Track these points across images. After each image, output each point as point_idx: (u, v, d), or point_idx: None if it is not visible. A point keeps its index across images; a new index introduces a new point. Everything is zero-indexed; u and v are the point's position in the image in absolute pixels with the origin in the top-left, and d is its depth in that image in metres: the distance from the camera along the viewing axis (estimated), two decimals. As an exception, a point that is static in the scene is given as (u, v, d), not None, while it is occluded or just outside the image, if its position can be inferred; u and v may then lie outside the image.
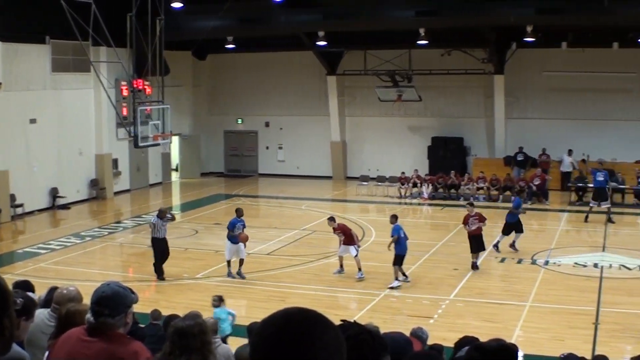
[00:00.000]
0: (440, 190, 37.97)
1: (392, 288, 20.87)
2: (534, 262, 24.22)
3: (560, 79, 39.49)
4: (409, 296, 20.33)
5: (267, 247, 26.40)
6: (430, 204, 36.62)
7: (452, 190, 37.78)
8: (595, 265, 23.71)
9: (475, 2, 33.70)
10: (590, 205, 31.70)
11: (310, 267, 23.83)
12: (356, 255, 22.30)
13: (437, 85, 41.44)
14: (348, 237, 22.62)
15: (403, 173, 38.50)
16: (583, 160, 37.51)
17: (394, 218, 22.45)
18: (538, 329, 17.45)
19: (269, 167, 46.33)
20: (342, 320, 3.50)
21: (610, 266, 23.70)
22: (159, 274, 22.02)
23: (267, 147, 46.44)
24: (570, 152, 37.89)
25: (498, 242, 25.61)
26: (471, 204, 24.73)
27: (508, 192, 36.71)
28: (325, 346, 2.69)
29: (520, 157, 39.42)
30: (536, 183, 36.09)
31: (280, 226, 30.69)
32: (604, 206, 31.07)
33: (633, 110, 39.11)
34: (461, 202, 36.40)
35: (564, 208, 34.95)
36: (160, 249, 22.10)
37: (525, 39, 35.22)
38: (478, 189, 37.39)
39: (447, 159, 40.42)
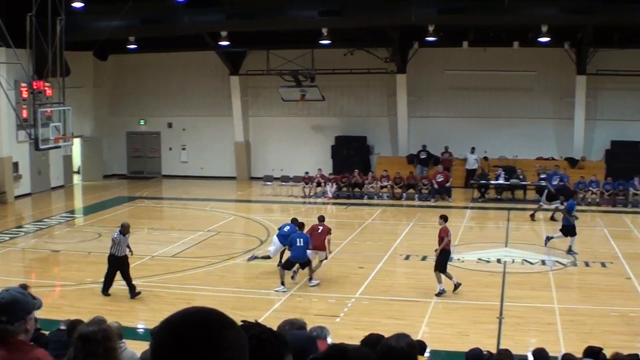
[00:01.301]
0: (344, 189, 38.09)
1: (277, 291, 20.73)
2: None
3: (462, 77, 40.06)
4: (315, 295, 20.27)
5: (171, 250, 26.07)
6: (334, 203, 36.68)
7: (356, 189, 37.92)
8: (499, 261, 24.03)
9: (377, 2, 33.85)
10: (540, 203, 32.48)
11: (216, 269, 23.58)
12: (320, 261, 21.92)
13: (340, 85, 41.59)
14: (321, 242, 21.87)
15: (307, 173, 38.48)
16: (485, 158, 38.14)
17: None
18: (443, 325, 17.58)
19: (172, 169, 45.86)
20: (243, 321, 3.44)
21: (513, 261, 24.08)
22: (106, 289, 20.35)
23: (170, 149, 45.96)
24: (473, 150, 38.44)
25: (552, 237, 25.86)
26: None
27: (411, 190, 37.04)
28: (227, 346, 2.61)
29: (423, 155, 39.83)
30: (439, 180, 36.46)
31: (185, 228, 30.35)
32: (554, 205, 31.66)
33: (533, 108, 39.92)
34: (365, 200, 36.65)
35: (467, 205, 35.40)
36: (117, 267, 20.19)
37: (427, 39, 35.59)
38: (382, 187, 37.61)
39: (351, 158, 40.57)
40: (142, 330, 16.91)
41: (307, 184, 38.13)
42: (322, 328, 9.79)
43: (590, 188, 35.59)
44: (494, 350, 12.86)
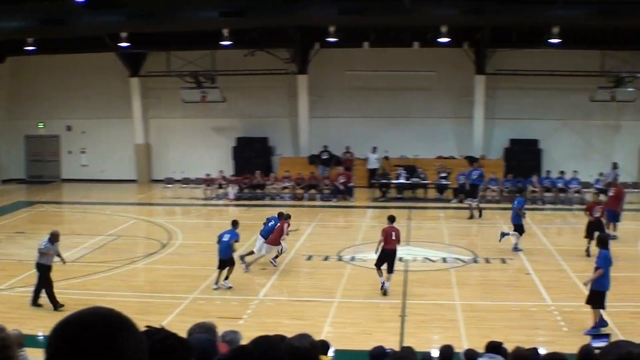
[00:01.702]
0: (246, 190, 37.95)
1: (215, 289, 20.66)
2: (340, 259, 24.47)
3: (363, 78, 40.32)
4: (217, 298, 20.08)
5: (72, 255, 25.47)
6: (236, 205, 36.50)
7: (258, 190, 37.82)
8: (400, 259, 24.11)
9: (279, 2, 33.82)
10: (467, 202, 32.96)
11: (118, 273, 23.17)
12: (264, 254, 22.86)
13: (241, 86, 41.47)
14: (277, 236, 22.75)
15: (208, 174, 38.23)
16: (386, 158, 38.42)
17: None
18: (347, 324, 17.57)
19: (72, 172, 45.08)
20: (147, 326, 3.38)
21: (415, 259, 24.28)
22: (55, 304, 19.75)
23: (70, 152, 45.16)
24: (374, 150, 38.69)
25: (508, 234, 26.05)
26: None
27: (313, 190, 37.11)
28: (127, 350, 2.49)
29: (324, 156, 39.94)
30: (342, 181, 36.61)
31: (85, 232, 29.77)
32: (474, 203, 32.27)
33: (433, 107, 40.42)
34: (267, 201, 36.56)
35: (368, 204, 35.60)
36: (44, 277, 19.30)
37: (328, 39, 35.68)
38: (284, 188, 37.59)
39: (252, 159, 40.50)
40: (43, 337, 16.50)
41: (208, 185, 37.88)
42: (235, 332, 9.69)
43: (490, 186, 36.19)
44: (397, 348, 12.91)
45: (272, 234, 22.91)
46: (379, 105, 40.99)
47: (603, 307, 16.90)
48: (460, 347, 12.86)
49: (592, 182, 36.89)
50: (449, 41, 35.49)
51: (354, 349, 15.44)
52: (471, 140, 40.23)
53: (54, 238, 19.50)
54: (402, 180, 36.91)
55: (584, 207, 27.68)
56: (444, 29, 34.58)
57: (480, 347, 11.91)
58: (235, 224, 22.00)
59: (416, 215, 32.72)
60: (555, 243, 26.71)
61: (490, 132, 40.70)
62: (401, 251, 24.98)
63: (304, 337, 5.45)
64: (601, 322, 16.80)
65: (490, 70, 39.34)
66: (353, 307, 19.08)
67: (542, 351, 11.66)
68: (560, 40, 35.05)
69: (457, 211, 34.08)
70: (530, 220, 31.53)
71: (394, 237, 20.79)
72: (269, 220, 23.82)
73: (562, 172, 36.98)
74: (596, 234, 20.62)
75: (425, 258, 24.41)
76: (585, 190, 36.50)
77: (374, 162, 38.90)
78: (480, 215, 32.34)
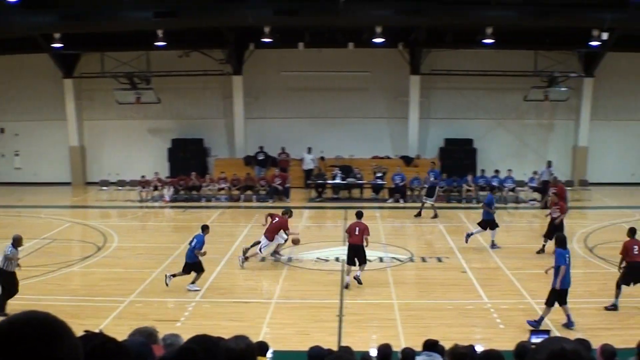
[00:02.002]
0: (182, 192, 37.69)
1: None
2: (277, 260, 24.41)
3: (298, 78, 40.32)
4: (154, 300, 19.87)
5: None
6: (172, 207, 36.25)
7: (194, 192, 37.59)
8: (337, 259, 24.18)
9: (213, 3, 33.68)
10: (423, 201, 33.24)
11: (53, 277, 22.82)
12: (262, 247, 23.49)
13: (176, 87, 41.20)
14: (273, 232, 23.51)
15: (143, 176, 37.89)
16: (322, 158, 38.46)
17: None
18: (284, 325, 17.52)
19: (5, 176, 44.29)
20: (86, 331, 3.34)
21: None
22: (2, 309, 19.27)
23: (3, 155, 44.40)
24: (310, 150, 38.70)
25: (472, 233, 26.14)
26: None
27: (249, 191, 37.01)
28: (62, 355, 2.43)
29: (260, 157, 39.87)
30: (278, 183, 36.57)
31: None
32: (429, 202, 32.53)
33: (368, 108, 40.58)
34: (203, 203, 36.37)
35: (305, 205, 35.59)
36: (11, 283, 18.86)
37: (263, 40, 35.61)
38: (219, 189, 37.42)
39: (188, 161, 40.31)
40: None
41: (143, 187, 37.55)
42: (175, 336, 9.58)
43: (425, 185, 36.38)
44: (335, 348, 12.89)
45: (270, 229, 23.55)
46: (315, 105, 41.05)
47: (552, 305, 17.23)
48: (398, 345, 12.89)
49: (527, 180, 37.34)
50: (383, 42, 35.66)
51: (292, 350, 15.40)
52: (406, 140, 40.49)
53: (16, 243, 19.09)
54: (338, 181, 36.99)
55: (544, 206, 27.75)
56: (378, 29, 34.74)
57: (417, 346, 11.95)
58: (204, 228, 21.78)
59: (352, 215, 32.67)
60: (491, 241, 26.92)
61: (426, 131, 41.01)
62: (338, 251, 25.10)
63: (240, 339, 5.40)
64: (569, 320, 17.23)
65: (425, 71, 39.65)
66: (291, 308, 19.03)
67: (479, 348, 11.75)
68: (493, 41, 35.46)
69: (393, 211, 34.29)
70: (465, 218, 31.86)
71: (357, 232, 21.13)
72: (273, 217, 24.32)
73: (496, 171, 37.39)
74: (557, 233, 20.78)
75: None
76: (519, 189, 36.94)
77: (309, 163, 38.92)
78: (418, 214, 32.56)
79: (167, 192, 37.41)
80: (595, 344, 11.18)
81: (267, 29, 34.94)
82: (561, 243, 17.75)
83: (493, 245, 26.07)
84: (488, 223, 26.36)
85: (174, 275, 20.87)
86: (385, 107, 41.30)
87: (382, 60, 40.15)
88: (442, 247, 26.31)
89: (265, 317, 18.12)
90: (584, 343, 10.96)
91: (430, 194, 32.84)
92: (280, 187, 36.70)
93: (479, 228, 26.48)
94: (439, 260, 24.47)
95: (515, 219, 33.16)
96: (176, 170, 40.11)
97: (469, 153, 40.47)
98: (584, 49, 38.26)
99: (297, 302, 19.50)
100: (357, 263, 21.09)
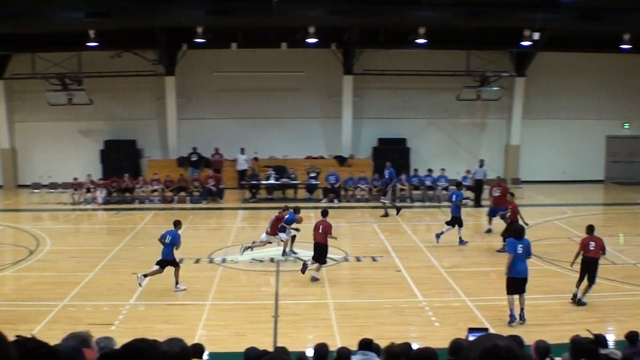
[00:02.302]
0: (115, 194, 37.31)
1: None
2: (211, 261, 24.32)
3: (231, 79, 40.17)
4: (88, 304, 19.61)
5: None
6: (105, 209, 35.87)
7: (127, 194, 37.24)
8: (272, 260, 24.19)
9: (145, 3, 33.37)
10: (381, 200, 33.56)
11: (-19, 281, 22.42)
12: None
13: (108, 88, 40.78)
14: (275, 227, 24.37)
15: (76, 179, 37.41)
16: (255, 159, 38.39)
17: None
18: (220, 327, 17.42)
19: None
20: (17, 336, 3.32)
21: (287, 259, 24.33)
22: None
23: None
24: (243, 151, 38.57)
25: (442, 232, 26.42)
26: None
27: (183, 193, 36.79)
28: None
29: (194, 158, 39.67)
30: (212, 184, 36.41)
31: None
32: (384, 200, 33.02)
33: (302, 108, 40.60)
34: (136, 205, 36.06)
35: (239, 206, 35.48)
36: None
37: (196, 40, 35.41)
38: (153, 191, 37.13)
39: (121, 162, 39.97)
40: None
41: (76, 190, 37.09)
42: (108, 339, 9.45)
43: (360, 185, 36.57)
44: (270, 349, 12.85)
45: (272, 226, 24.33)
46: (248, 106, 40.94)
47: (510, 293, 17.91)
48: (334, 345, 12.90)
49: (460, 179, 37.63)
50: (317, 42, 35.74)
51: (228, 351, 15.34)
52: (340, 140, 40.60)
53: None
54: (272, 181, 36.95)
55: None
56: (311, 29, 34.81)
57: (353, 345, 11.96)
58: (176, 224, 21.64)
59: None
60: (425, 240, 27.15)
61: (359, 131, 41.17)
62: (272, 251, 25.10)
63: (174, 342, 5.36)
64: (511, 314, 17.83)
65: (358, 71, 39.81)
66: (226, 309, 18.94)
67: (414, 346, 11.81)
68: (426, 41, 35.77)
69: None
70: (400, 218, 32.03)
71: (320, 231, 21.75)
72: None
73: (430, 170, 37.68)
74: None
75: (297, 258, 24.45)
76: (453, 187, 37.17)
77: (243, 164, 38.79)
78: (396, 213, 32.76)
79: (100, 194, 37.02)
80: (530, 340, 11.30)
81: (199, 29, 34.79)
82: (514, 233, 18.72)
83: (461, 241, 26.63)
84: (456, 220, 26.89)
85: (145, 275, 20.68)
86: (318, 107, 41.37)
87: (315, 60, 40.23)
88: (377, 247, 26.45)
89: (201, 319, 18.01)
90: (517, 339, 11.07)
91: (385, 193, 33.43)
92: (214, 188, 36.56)
93: (448, 227, 26.92)
94: (374, 259, 24.58)
95: (449, 218, 33.38)
96: (109, 171, 39.71)
97: (402, 152, 40.74)
98: (515, 49, 38.80)
99: (233, 303, 19.42)
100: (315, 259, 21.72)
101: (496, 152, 41.97)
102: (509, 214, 25.60)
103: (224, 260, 24.32)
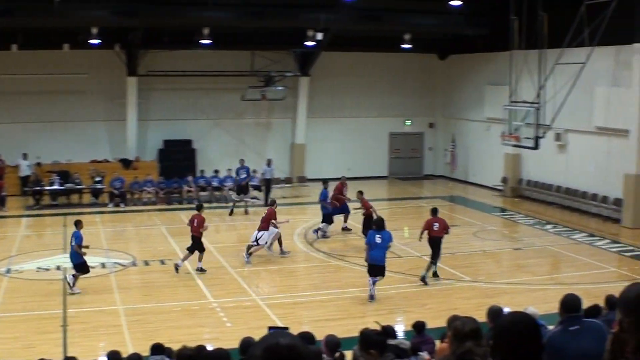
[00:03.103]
0: None
1: None
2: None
3: (12, 81, 38.62)
4: None
5: None
6: None
7: None
8: (58, 268, 23.60)
9: None
10: (234, 199, 34.16)
11: None
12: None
13: None
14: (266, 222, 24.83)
15: None
16: (38, 164, 37.32)
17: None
18: (9, 339, 16.94)
19: None
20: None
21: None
22: None
23: None
24: (25, 156, 37.33)
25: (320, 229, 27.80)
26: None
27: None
28: None
29: (-27, 164, 38.08)
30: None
31: None
32: (246, 198, 33.91)
33: (86, 111, 39.71)
34: None
35: (22, 213, 34.37)
36: None
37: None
38: None
39: None
40: None
41: None
42: None
43: (146, 187, 36.23)
44: (61, 359, 12.73)
45: (263, 221, 24.91)
46: (30, 109, 39.51)
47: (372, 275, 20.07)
48: (126, 352, 12.90)
49: (240, 179, 37.93)
50: (100, 43, 35.16)
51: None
52: (125, 142, 39.98)
53: None
54: (56, 187, 35.98)
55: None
56: (94, 30, 34.21)
57: (145, 350, 12.05)
58: (77, 223, 21.30)
59: (72, 221, 31.97)
60: (214, 241, 27.20)
61: (144, 133, 40.66)
62: (58, 259, 24.52)
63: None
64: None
65: (142, 72, 39.31)
66: (14, 321, 18.44)
67: (209, 347, 12.00)
68: (211, 41, 35.90)
69: (114, 215, 33.83)
70: (187, 220, 31.98)
71: (195, 224, 23.43)
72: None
73: (216, 171, 37.79)
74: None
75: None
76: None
77: (25, 169, 37.47)
78: (230, 213, 33.62)
79: None
80: (321, 336, 11.69)
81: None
82: (375, 224, 20.99)
83: (316, 230, 28.30)
84: (325, 217, 28.16)
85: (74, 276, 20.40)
86: (103, 109, 40.53)
87: (99, 62, 39.39)
88: (165, 250, 26.37)
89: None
90: (307, 336, 11.47)
91: (243, 190, 34.31)
92: (-5, 195, 35.29)
93: (325, 223, 28.30)
94: (162, 262, 24.52)
95: (236, 217, 33.69)
96: None
97: (188, 154, 40.58)
98: (299, 49, 39.50)
99: (20, 314, 18.93)
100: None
101: (282, 151, 42.53)
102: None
103: (8, 271, 23.56)
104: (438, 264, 22.23)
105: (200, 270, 22.91)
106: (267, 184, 36.22)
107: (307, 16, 36.01)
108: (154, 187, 36.48)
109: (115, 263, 24.45)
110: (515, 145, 31.81)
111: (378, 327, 12.55)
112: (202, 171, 38.50)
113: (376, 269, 19.93)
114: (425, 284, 21.42)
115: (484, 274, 23.61)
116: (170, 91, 40.61)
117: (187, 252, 23.20)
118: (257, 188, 36.70)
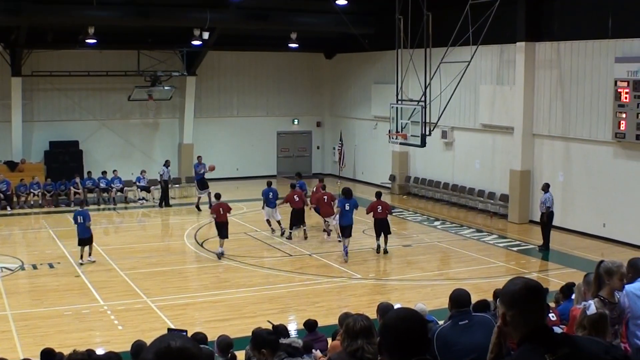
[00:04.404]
0: None
1: None
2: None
3: None
4: None
5: None
6: None
7: None
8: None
9: None
10: (198, 195, 34.64)
11: None
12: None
13: None
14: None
15: None
16: None
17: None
18: None
19: None
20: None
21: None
22: None
23: None
24: None
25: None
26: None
27: None
28: None
29: None
30: None
31: None
32: (205, 193, 34.13)
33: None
34: None
35: None
36: None
37: None
38: None
39: None
40: None
41: None
42: None
43: (32, 190, 35.63)
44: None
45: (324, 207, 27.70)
46: None
47: (344, 236, 24.92)
48: (16, 358, 12.79)
49: (135, 180, 37.71)
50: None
51: None
52: (10, 144, 39.15)
53: None
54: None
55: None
56: (-25, 31, 33.56)
57: (36, 356, 11.98)
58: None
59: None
60: (103, 243, 26.94)
61: (30, 135, 39.88)
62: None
63: None
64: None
65: (26, 72, 38.55)
66: None
67: (100, 352, 12.00)
68: (96, 41, 35.53)
69: (0, 218, 33.20)
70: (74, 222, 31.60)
71: None
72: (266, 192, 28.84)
73: (104, 173, 37.38)
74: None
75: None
76: (127, 188, 37.16)
77: None
78: (197, 208, 34.27)
79: None
80: (213, 337, 11.81)
81: None
82: (344, 193, 25.50)
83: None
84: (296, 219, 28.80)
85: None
86: (-14, 111, 39.71)
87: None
88: (53, 253, 26.00)
89: None
90: (198, 336, 11.59)
91: (203, 186, 34.56)
92: None
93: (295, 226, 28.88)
94: (51, 266, 24.19)
95: (125, 219, 33.47)
96: None
97: (75, 155, 39.92)
98: (186, 48, 39.36)
99: None
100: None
101: (170, 152, 42.22)
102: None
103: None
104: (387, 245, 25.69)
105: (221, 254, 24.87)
106: (165, 185, 35.96)
107: (193, 15, 36.00)
108: (41, 190, 35.87)
109: (3, 267, 23.98)
110: (402, 143, 32.35)
111: (270, 327, 12.71)
112: (89, 172, 37.93)
113: (348, 230, 24.68)
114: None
115: (374, 271, 24.09)
116: (56, 91, 39.94)
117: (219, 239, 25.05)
118: (145, 189, 36.47)
